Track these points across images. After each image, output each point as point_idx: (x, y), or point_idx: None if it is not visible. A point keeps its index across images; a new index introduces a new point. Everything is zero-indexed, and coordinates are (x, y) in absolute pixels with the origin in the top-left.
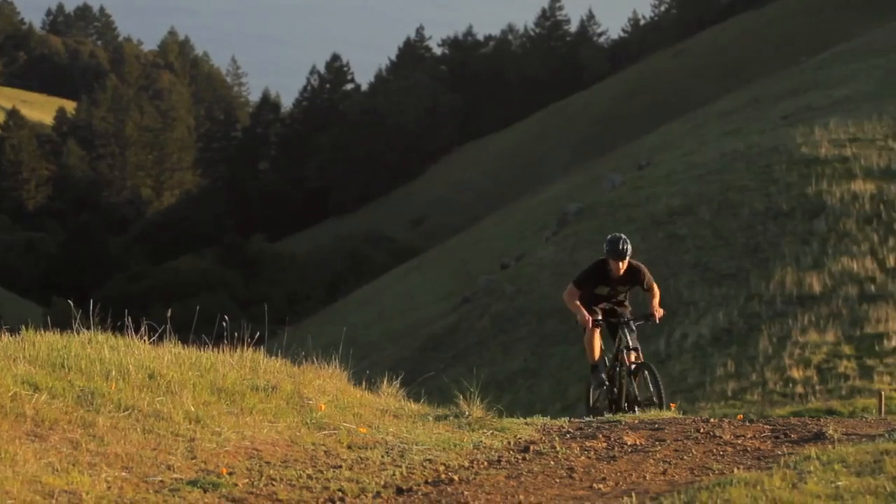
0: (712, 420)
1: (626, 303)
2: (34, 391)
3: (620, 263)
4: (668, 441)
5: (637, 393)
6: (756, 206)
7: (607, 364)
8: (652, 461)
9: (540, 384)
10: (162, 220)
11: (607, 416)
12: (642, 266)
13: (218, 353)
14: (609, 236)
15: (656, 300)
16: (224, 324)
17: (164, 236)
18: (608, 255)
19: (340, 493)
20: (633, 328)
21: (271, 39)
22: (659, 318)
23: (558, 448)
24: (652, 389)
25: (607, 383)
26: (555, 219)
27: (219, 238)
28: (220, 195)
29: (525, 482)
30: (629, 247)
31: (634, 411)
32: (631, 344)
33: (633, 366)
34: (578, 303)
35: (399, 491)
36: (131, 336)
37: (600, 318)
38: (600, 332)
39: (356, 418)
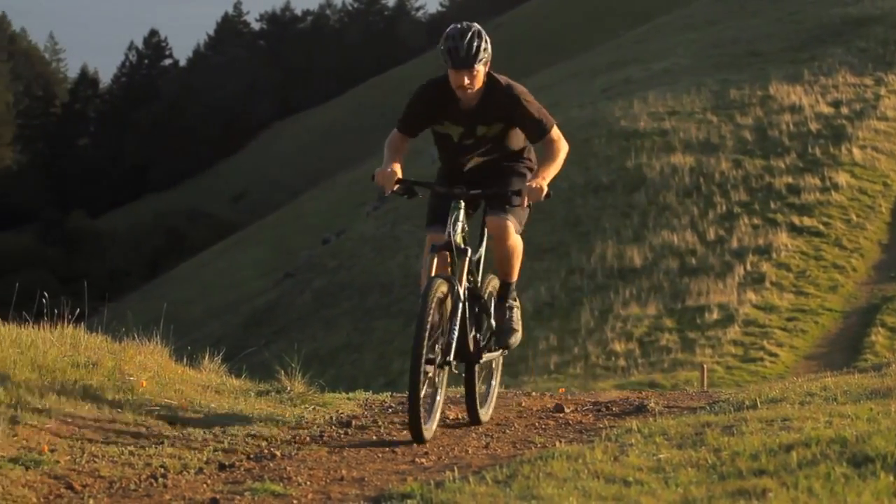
0: (534, 394)
1: (522, 165)
2: None
3: (465, 77)
4: (491, 415)
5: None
6: (576, 179)
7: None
8: (474, 435)
9: (363, 359)
10: None
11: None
12: (521, 91)
13: (38, 330)
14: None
15: (548, 168)
16: (44, 300)
17: None
18: (444, 59)
19: (163, 470)
20: (462, 209)
21: (89, 19)
22: (530, 199)
23: (380, 423)
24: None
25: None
26: (375, 193)
27: (39, 215)
28: (39, 172)
29: (347, 457)
30: (484, 44)
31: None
32: (454, 236)
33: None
34: (389, 153)
35: (221, 467)
36: None
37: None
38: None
39: (178, 394)
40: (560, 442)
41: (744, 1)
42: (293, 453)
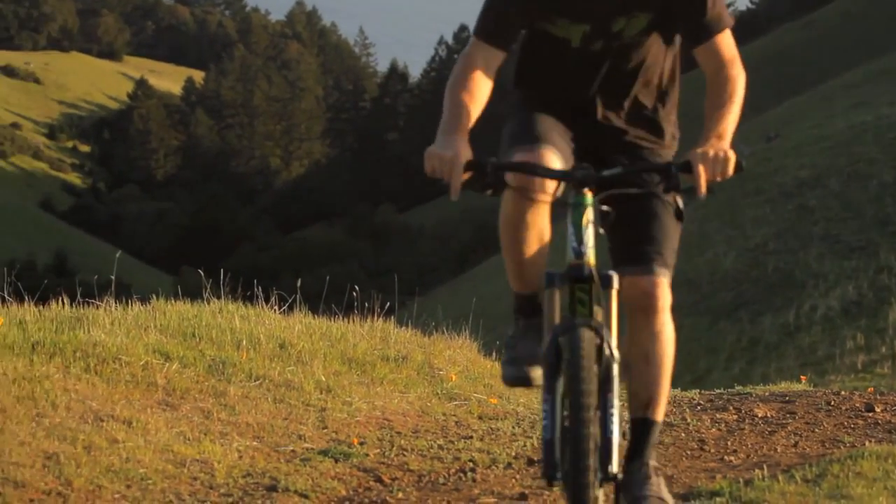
0: (843, 393)
1: (663, 101)
2: (165, 360)
3: None
4: (800, 414)
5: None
6: (885, 178)
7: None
8: (783, 434)
9: None
10: (290, 190)
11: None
12: None
13: (348, 323)
14: None
15: (726, 117)
16: (354, 294)
17: (293, 206)
18: None
19: (471, 464)
20: (591, 206)
21: (398, 14)
22: (710, 175)
23: (689, 420)
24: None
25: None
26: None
27: (347, 208)
28: (348, 165)
29: (656, 454)
30: None
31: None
32: (576, 255)
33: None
34: (453, 111)
35: (530, 462)
36: (261, 306)
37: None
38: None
39: (486, 389)
40: (870, 441)
41: None
42: None
